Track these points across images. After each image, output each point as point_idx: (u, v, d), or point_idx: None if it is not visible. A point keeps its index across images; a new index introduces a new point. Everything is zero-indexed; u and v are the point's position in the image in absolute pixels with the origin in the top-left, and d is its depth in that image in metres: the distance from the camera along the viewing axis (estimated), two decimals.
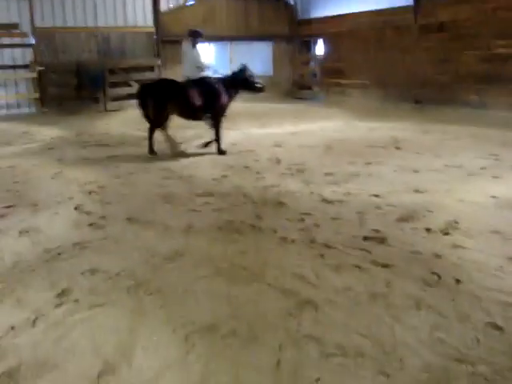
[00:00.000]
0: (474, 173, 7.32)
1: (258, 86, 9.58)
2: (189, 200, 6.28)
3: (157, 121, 9.06)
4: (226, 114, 9.29)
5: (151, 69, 17.83)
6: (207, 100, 8.89)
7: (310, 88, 19.16)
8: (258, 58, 19.40)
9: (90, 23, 16.79)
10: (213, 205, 6.03)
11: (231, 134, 11.15)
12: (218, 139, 9.12)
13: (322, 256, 4.34)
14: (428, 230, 4.90)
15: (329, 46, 18.08)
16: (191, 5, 18.70)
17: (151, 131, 9.09)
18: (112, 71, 16.73)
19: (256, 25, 19.40)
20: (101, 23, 16.98)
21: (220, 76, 9.41)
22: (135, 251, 4.64)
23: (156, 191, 6.73)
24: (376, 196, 6.09)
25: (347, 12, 16.78)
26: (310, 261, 4.26)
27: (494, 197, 6.03)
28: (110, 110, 16.29)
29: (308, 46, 19.86)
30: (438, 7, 13.66)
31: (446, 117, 12.36)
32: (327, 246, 4.54)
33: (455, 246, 4.48)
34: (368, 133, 10.84)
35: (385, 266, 4.11)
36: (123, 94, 17.03)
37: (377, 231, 4.87)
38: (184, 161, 8.61)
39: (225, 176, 7.45)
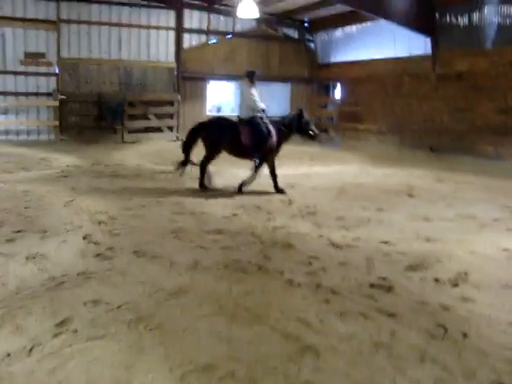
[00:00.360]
0: (487, 224, 7.24)
1: (312, 133, 9.47)
2: (198, 236, 6.25)
3: (209, 157, 9.29)
4: (276, 155, 9.35)
5: (171, 103, 18.10)
6: (256, 139, 8.94)
7: (326, 131, 19.28)
8: (277, 99, 19.64)
9: (114, 56, 17.17)
10: (221, 243, 5.99)
11: (245, 174, 11.17)
12: (274, 178, 9.20)
13: (327, 301, 4.28)
14: (437, 280, 4.81)
15: (347, 91, 18.28)
16: (213, 43, 19.07)
17: (203, 167, 9.28)
18: (132, 104, 17.00)
19: (276, 66, 19.72)
20: (124, 56, 17.36)
21: (274, 118, 9.42)
22: (139, 285, 4.60)
23: (166, 226, 6.72)
24: (385, 243, 6.02)
25: (366, 58, 17.01)
26: (315, 306, 4.19)
27: (506, 250, 5.94)
28: (128, 142, 16.49)
29: (326, 89, 20.10)
30: (456, 57, 13.83)
31: (461, 166, 12.32)
32: (333, 292, 4.47)
33: (464, 299, 4.39)
34: (382, 179, 10.83)
35: (390, 315, 4.02)
36: (141, 127, 17.28)
37: (384, 279, 4.80)
38: (197, 197, 8.62)
39: (235, 214, 7.43)
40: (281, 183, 9.89)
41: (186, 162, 9.27)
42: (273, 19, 19.74)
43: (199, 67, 18.65)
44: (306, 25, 20.30)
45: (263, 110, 9.14)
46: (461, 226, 7.08)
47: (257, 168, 9.14)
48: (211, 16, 18.96)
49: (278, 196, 8.82)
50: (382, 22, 15.44)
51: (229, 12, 18.24)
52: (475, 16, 13.65)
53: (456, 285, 4.72)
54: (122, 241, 5.98)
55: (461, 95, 13.65)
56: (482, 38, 13.45)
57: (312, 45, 20.41)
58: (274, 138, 9.05)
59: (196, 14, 18.77)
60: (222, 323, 3.85)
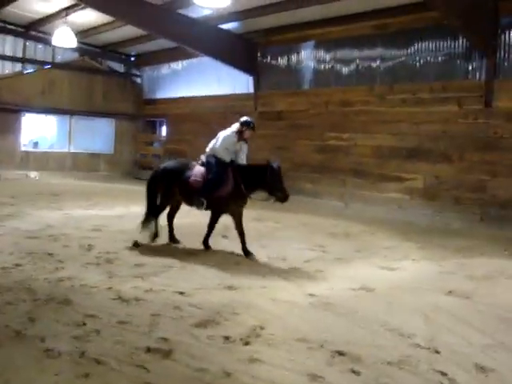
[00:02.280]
0: (297, 266, 6.96)
1: (280, 194, 7.44)
2: None
3: (161, 206, 8.02)
4: (223, 211, 7.68)
5: None
6: (207, 181, 7.49)
7: (152, 169, 18.61)
8: (100, 135, 18.70)
9: None
10: None
11: (50, 214, 10.10)
12: (207, 233, 7.69)
13: (86, 376, 3.43)
14: (227, 338, 4.19)
15: (172, 128, 17.85)
16: (29, 73, 17.66)
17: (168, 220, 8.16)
18: None
19: (99, 100, 18.77)
20: None
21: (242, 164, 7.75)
22: None
23: None
24: (181, 293, 5.34)
25: (191, 95, 16.80)
26: None
27: (311, 295, 5.59)
28: None
29: (153, 126, 19.52)
30: (276, 97, 14.06)
31: (280, 204, 12.20)
32: (98, 362, 3.63)
33: (252, 360, 3.79)
34: (200, 219, 10.23)
35: None
36: None
37: (165, 340, 4.06)
38: None
39: (18, 265, 6.30)
40: (87, 225, 9.00)
41: (154, 220, 7.99)
42: (97, 51, 18.83)
43: (13, 98, 17.09)
44: (132, 59, 19.64)
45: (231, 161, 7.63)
46: (269, 270, 6.69)
47: (212, 221, 7.72)
48: (27, 43, 17.60)
49: (80, 240, 7.82)
50: (207, 60, 15.28)
51: (47, 40, 16.96)
52: (293, 58, 13.98)
53: (247, 343, 4.13)
54: None
55: (281, 134, 13.79)
56: (300, 80, 13.78)
57: (138, 80, 19.76)
58: (229, 187, 7.43)
59: (10, 39, 17.34)
60: None
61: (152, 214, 8.01)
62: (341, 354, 4.01)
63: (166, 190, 7.93)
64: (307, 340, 4.25)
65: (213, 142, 7.87)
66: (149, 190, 8.09)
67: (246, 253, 7.40)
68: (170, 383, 3.39)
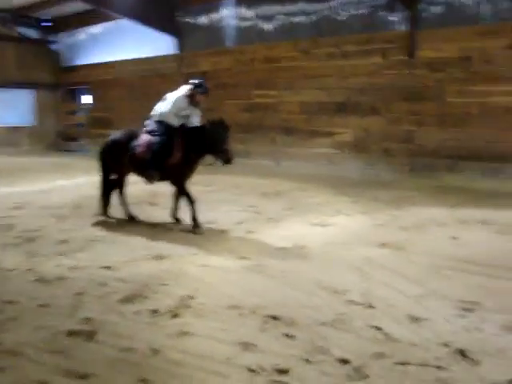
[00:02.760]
0: (229, 229, 6.80)
1: (227, 155, 6.70)
2: None
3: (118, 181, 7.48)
4: (184, 178, 6.97)
5: None
6: (156, 153, 6.74)
7: (76, 139, 17.89)
8: (18, 108, 17.71)
9: None
10: None
11: None
12: (192, 210, 6.77)
13: (0, 371, 3.16)
14: (155, 312, 3.99)
15: (96, 95, 17.14)
16: None
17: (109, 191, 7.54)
18: None
19: (14, 71, 17.68)
20: None
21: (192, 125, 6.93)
22: None
23: None
24: (107, 268, 5.08)
25: (113, 60, 16.11)
26: None
27: (243, 258, 5.46)
28: None
29: (74, 94, 18.67)
30: (200, 57, 13.70)
31: (212, 167, 11.98)
32: (13, 353, 3.36)
33: (181, 334, 3.62)
34: (132, 188, 9.89)
35: (82, 376, 3.07)
36: None
37: (89, 321, 3.83)
38: None
39: None
40: (8, 204, 8.49)
41: (106, 200, 7.51)
42: (6, 16, 17.61)
43: None
44: (47, 24, 18.55)
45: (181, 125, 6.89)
46: (201, 235, 6.48)
47: (184, 195, 6.95)
48: None
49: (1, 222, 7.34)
50: (126, 22, 14.60)
51: None
52: (215, 17, 13.59)
53: (176, 315, 3.94)
54: None
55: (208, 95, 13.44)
56: (223, 38, 13.44)
57: (55, 46, 18.74)
58: (180, 153, 6.74)
59: None
60: None
61: (107, 190, 7.52)
62: (274, 318, 3.90)
63: (116, 164, 7.32)
64: (239, 307, 4.12)
65: (159, 104, 7.08)
66: (101, 165, 7.50)
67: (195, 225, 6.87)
68: (92, 368, 3.16)
